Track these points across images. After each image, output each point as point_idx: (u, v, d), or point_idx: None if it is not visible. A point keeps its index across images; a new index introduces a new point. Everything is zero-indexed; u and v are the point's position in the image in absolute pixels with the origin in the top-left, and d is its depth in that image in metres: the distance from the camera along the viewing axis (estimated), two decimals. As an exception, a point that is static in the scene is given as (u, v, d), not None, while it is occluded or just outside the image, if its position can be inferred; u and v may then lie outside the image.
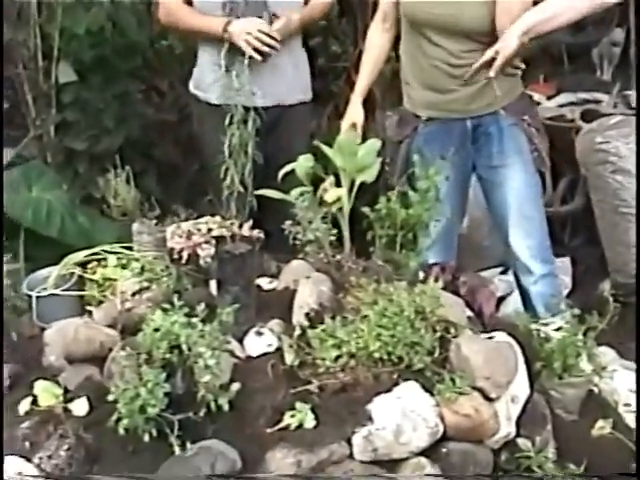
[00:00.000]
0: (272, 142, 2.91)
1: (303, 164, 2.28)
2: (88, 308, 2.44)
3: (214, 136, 2.49)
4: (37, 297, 2.50)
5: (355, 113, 3.06)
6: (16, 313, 2.93)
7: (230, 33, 2.97)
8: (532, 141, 2.99)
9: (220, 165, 2.26)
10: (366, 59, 3.12)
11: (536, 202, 3.04)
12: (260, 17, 3.02)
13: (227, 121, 2.14)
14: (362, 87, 3.10)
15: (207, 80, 3.16)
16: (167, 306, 1.85)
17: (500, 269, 4.05)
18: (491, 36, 2.79)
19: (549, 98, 4.87)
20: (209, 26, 3.05)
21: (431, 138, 2.95)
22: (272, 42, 2.99)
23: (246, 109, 2.15)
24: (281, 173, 2.32)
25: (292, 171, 2.35)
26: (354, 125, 3.02)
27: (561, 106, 4.70)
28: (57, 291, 2.50)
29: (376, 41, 3.10)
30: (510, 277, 3.67)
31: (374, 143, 2.30)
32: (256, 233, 2.24)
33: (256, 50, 2.97)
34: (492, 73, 2.75)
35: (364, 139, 2.37)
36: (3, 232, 3.75)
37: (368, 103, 3.06)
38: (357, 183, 2.27)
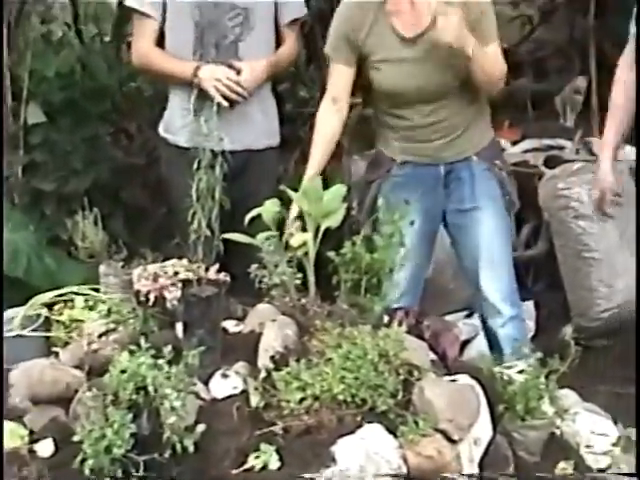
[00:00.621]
0: (239, 186, 2.90)
1: (269, 209, 2.32)
2: (54, 349, 2.44)
3: (182, 179, 2.50)
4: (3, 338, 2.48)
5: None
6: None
7: (200, 78, 3.02)
8: (503, 185, 3.06)
9: (188, 209, 2.28)
10: (317, 140, 2.99)
11: (507, 245, 3.09)
12: (230, 65, 3.07)
13: (195, 165, 2.17)
14: (315, 167, 2.94)
15: (176, 124, 3.19)
16: (134, 348, 1.87)
17: (465, 312, 4.09)
18: (459, 88, 2.88)
19: (514, 144, 4.96)
20: (180, 70, 3.09)
21: (404, 181, 3.00)
22: (240, 90, 3.05)
23: (214, 153, 2.18)
24: (247, 217, 2.35)
25: (259, 215, 2.38)
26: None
27: (525, 152, 4.80)
28: (24, 332, 2.49)
29: (327, 122, 3.00)
30: (475, 321, 3.72)
31: (339, 189, 2.34)
32: (222, 276, 2.26)
33: (224, 97, 3.02)
34: (607, 209, 2.89)
35: (328, 185, 2.40)
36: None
37: (335, 148, 3.08)
38: (322, 228, 2.30)
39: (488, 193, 3.02)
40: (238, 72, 3.07)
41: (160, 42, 3.18)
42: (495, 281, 3.03)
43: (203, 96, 2.99)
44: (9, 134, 3.97)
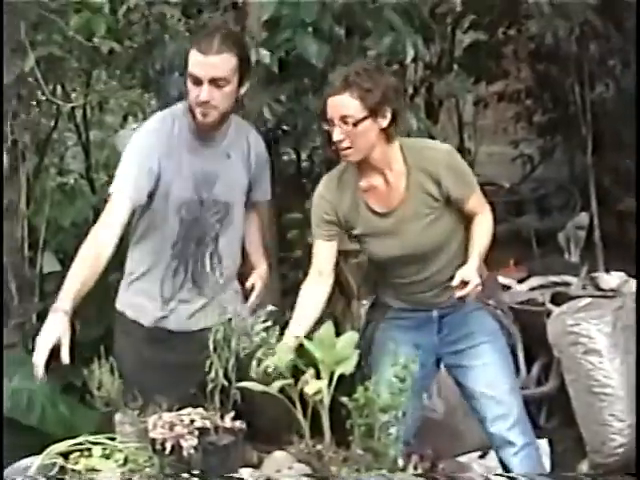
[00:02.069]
0: None
1: (283, 357, 2.36)
2: (70, 499, 2.44)
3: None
4: (18, 487, 2.49)
5: None
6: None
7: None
8: (499, 320, 3.09)
9: (205, 359, 2.33)
10: (300, 307, 2.93)
11: (509, 377, 3.09)
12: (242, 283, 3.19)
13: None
14: (296, 331, 2.76)
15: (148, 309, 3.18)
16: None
17: (478, 453, 4.06)
18: (444, 245, 2.95)
19: (520, 282, 5.01)
20: (61, 292, 2.76)
21: (397, 325, 3.05)
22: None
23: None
24: (262, 366, 2.39)
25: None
26: None
27: (532, 289, 4.84)
28: (39, 481, 2.50)
29: (311, 291, 2.99)
30: (488, 461, 3.69)
31: (352, 336, 2.40)
32: (238, 424, 2.29)
33: None
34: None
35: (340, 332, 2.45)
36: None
37: (344, 294, 3.15)
38: (336, 375, 2.34)
39: (484, 329, 3.06)
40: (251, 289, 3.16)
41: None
42: (502, 416, 3.01)
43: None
44: (26, 281, 4.06)
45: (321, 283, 2.99)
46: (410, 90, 5.08)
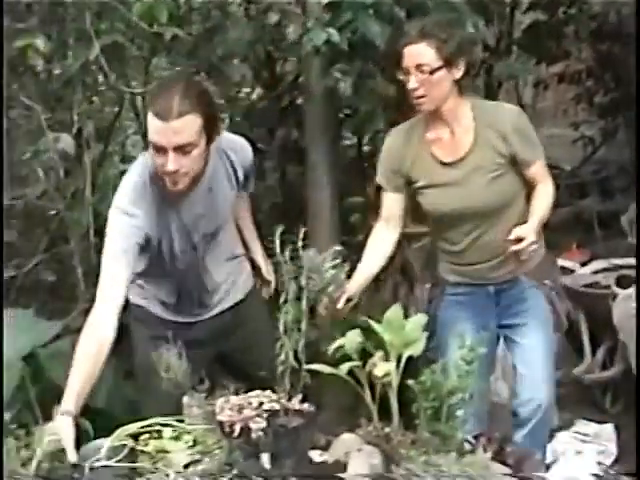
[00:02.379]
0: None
1: (352, 339, 2.37)
2: (138, 480, 2.47)
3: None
4: (90, 468, 2.52)
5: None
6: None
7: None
8: (553, 305, 3.13)
9: (275, 341, 2.34)
10: (367, 256, 3.07)
11: (549, 363, 3.12)
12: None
13: (282, 299, 2.24)
14: (363, 275, 3.02)
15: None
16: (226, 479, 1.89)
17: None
18: (504, 209, 2.97)
19: (583, 265, 4.96)
20: (67, 391, 2.66)
21: (457, 300, 3.09)
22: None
23: (300, 287, 2.24)
24: (331, 348, 2.40)
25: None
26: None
27: (595, 272, 4.79)
28: (110, 462, 2.53)
29: (378, 237, 3.11)
30: (554, 445, 3.67)
31: (420, 318, 2.40)
32: (307, 407, 2.30)
33: None
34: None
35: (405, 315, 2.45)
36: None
37: (407, 278, 3.16)
38: (404, 357, 2.34)
39: (535, 312, 3.09)
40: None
41: None
42: (530, 395, 3.08)
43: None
44: (92, 267, 4.11)
45: (389, 230, 3.09)
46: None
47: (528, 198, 3.00)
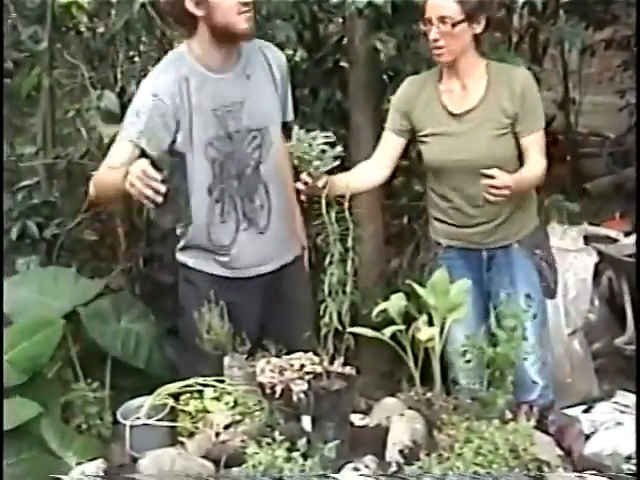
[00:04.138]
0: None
1: (396, 303, 2.35)
2: (180, 439, 2.49)
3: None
4: (130, 426, 2.54)
5: None
6: (102, 441, 3.01)
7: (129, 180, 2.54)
8: (542, 274, 3.17)
9: (319, 303, 2.33)
10: (353, 171, 3.08)
11: (540, 330, 3.13)
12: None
13: (327, 261, 2.23)
14: (337, 179, 2.77)
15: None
16: (268, 440, 1.90)
17: (583, 407, 4.00)
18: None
19: (627, 235, 4.89)
20: (112, 179, 2.70)
21: (449, 264, 3.04)
22: (157, 185, 2.48)
23: (345, 249, 2.23)
24: (375, 311, 2.39)
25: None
26: None
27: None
28: (150, 421, 2.55)
29: (365, 168, 3.17)
30: (593, 415, 3.63)
31: (464, 283, 2.38)
32: (349, 370, 2.29)
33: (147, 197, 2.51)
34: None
35: None
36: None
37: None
38: (448, 322, 2.32)
39: (525, 280, 3.13)
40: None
41: None
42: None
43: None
44: (133, 227, 4.15)
45: (376, 168, 3.17)
46: (515, 37, 4.96)
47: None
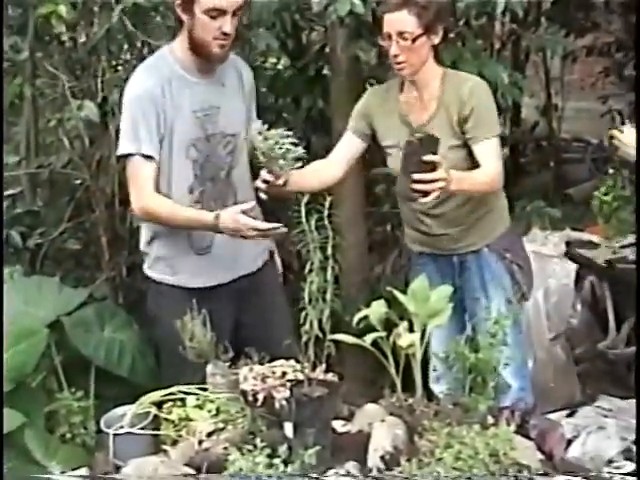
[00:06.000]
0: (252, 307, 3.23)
1: (377, 309, 2.36)
2: (163, 447, 2.49)
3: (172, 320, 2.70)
4: (114, 435, 2.55)
5: None
6: (86, 450, 3.01)
7: (222, 227, 2.88)
8: (514, 277, 3.17)
9: (299, 311, 2.34)
10: (307, 169, 2.99)
11: (514, 334, 3.01)
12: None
13: (307, 269, 2.23)
14: (297, 174, 2.88)
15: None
16: (246, 447, 1.90)
17: (566, 412, 4.01)
18: None
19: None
20: (197, 219, 2.96)
21: (422, 270, 3.05)
22: (262, 226, 2.87)
23: (325, 257, 2.24)
24: (356, 318, 2.40)
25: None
26: None
27: (622, 247, 4.74)
28: (134, 430, 2.56)
29: (320, 165, 3.14)
30: (576, 420, 3.65)
31: (446, 289, 2.39)
32: (331, 377, 2.30)
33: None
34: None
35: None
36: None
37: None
38: (429, 328, 2.33)
39: (496, 283, 3.14)
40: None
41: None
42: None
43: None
44: (116, 236, 4.14)
45: (330, 166, 3.15)
46: (497, 44, 5.00)
47: None
